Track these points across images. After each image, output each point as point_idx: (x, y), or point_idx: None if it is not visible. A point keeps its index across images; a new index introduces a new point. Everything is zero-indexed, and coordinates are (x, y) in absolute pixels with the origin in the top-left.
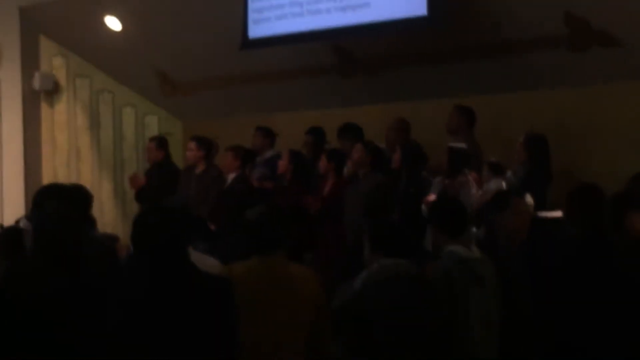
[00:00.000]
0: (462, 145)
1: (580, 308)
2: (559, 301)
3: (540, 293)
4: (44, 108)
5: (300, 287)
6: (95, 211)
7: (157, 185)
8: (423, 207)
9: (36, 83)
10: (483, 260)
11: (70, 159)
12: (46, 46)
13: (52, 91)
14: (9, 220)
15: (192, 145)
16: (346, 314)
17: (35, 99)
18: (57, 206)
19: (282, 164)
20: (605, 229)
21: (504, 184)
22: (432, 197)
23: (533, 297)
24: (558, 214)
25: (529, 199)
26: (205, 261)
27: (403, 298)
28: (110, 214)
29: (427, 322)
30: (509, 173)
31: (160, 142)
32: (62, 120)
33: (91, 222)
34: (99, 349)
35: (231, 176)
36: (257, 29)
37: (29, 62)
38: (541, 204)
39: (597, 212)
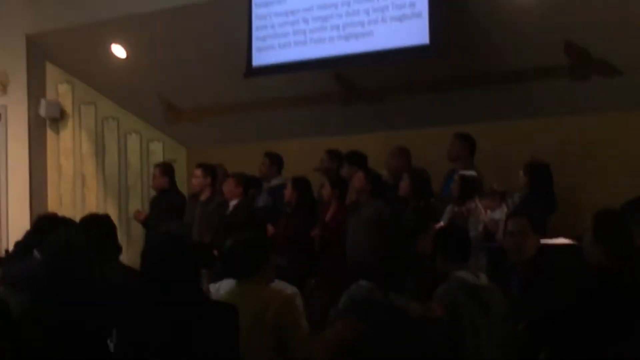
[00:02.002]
0: (472, 172)
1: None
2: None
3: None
4: (50, 134)
5: (265, 310)
6: None
7: (163, 213)
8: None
9: (42, 110)
10: (490, 288)
11: (75, 185)
12: (52, 73)
13: (58, 118)
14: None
15: (198, 172)
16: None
17: (41, 125)
18: (67, 235)
19: (287, 192)
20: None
21: (503, 215)
22: (439, 225)
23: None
24: (561, 241)
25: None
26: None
27: (373, 323)
28: None
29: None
30: (510, 200)
31: (165, 168)
32: (68, 147)
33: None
34: None
35: (233, 203)
36: (261, 57)
37: (35, 88)
38: (541, 231)
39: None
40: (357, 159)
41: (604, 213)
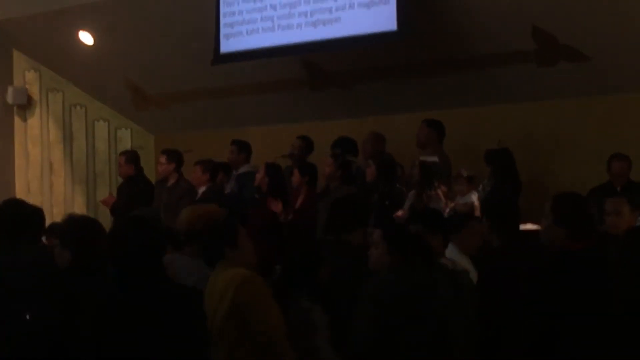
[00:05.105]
0: (433, 158)
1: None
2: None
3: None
4: (17, 122)
5: (227, 289)
6: None
7: (129, 200)
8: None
9: (9, 97)
10: (464, 272)
11: (43, 172)
12: (19, 60)
13: (25, 105)
14: None
15: (163, 158)
16: None
17: (9, 112)
18: None
19: (259, 177)
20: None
21: (475, 198)
22: (400, 212)
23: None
24: (529, 226)
25: None
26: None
27: None
28: None
29: None
30: (480, 186)
31: (130, 156)
32: (35, 134)
33: None
34: None
35: (201, 190)
36: (228, 44)
37: (2, 76)
38: (515, 217)
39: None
40: (347, 147)
41: (564, 196)
